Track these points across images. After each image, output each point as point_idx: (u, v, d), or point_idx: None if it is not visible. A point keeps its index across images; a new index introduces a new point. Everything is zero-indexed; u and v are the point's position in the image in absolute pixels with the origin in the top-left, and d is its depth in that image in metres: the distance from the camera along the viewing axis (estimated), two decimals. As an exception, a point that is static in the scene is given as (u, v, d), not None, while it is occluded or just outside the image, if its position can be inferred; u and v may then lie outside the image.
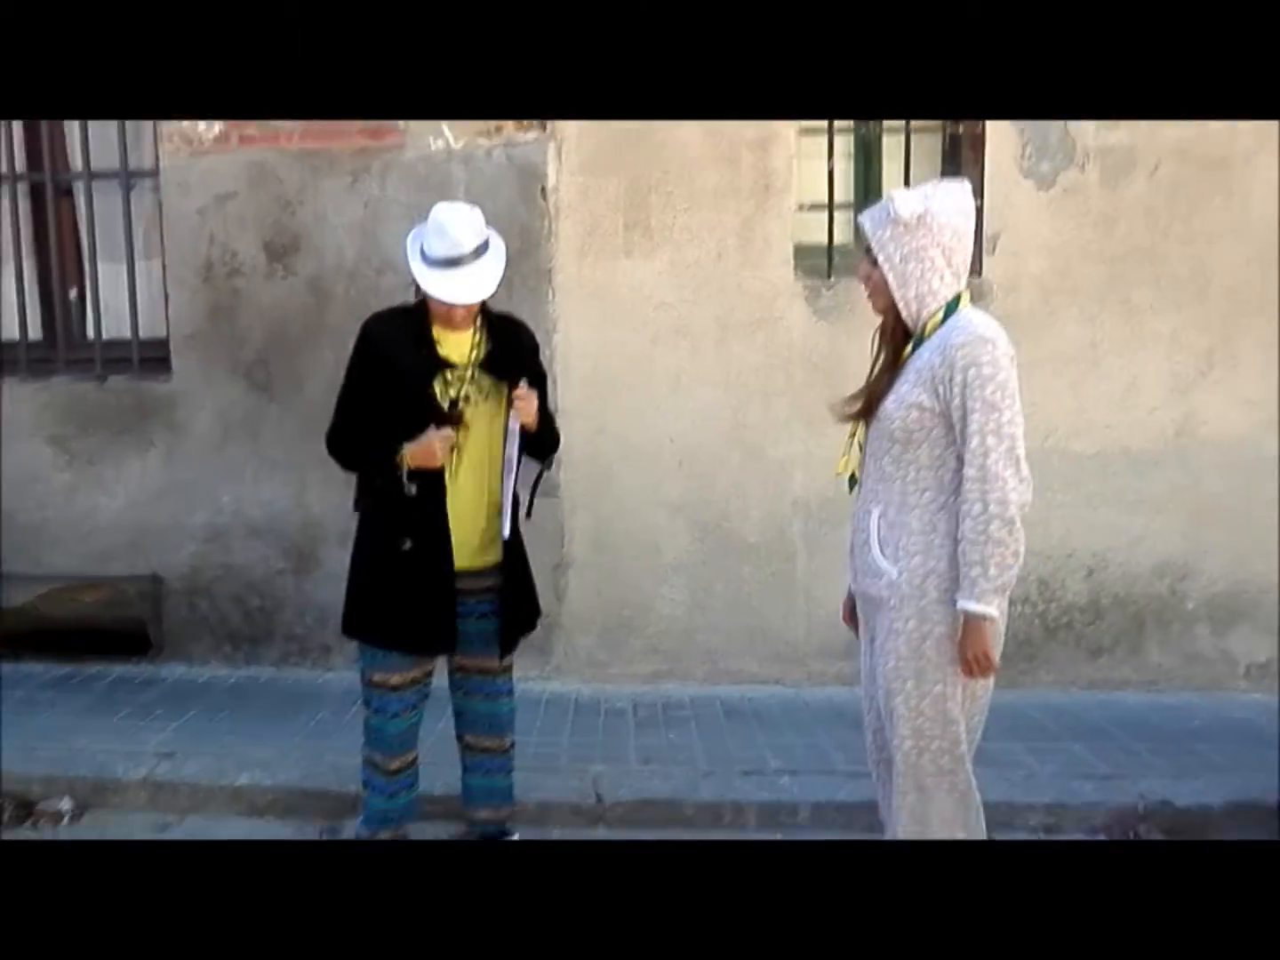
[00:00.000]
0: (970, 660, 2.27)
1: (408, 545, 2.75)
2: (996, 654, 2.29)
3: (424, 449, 2.69)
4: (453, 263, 2.67)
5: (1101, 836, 3.27)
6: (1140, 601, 4.33)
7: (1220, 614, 4.33)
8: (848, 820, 3.28)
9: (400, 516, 2.76)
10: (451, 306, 2.70)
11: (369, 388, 2.78)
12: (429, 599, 2.76)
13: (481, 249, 2.71)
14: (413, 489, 2.71)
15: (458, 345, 2.78)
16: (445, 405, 2.74)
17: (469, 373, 2.77)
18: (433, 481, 2.75)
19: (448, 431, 2.72)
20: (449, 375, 2.76)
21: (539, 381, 2.90)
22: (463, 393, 2.76)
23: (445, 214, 2.71)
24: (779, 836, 3.27)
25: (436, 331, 2.76)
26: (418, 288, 2.73)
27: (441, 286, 2.66)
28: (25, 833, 3.29)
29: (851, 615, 2.71)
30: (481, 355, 2.79)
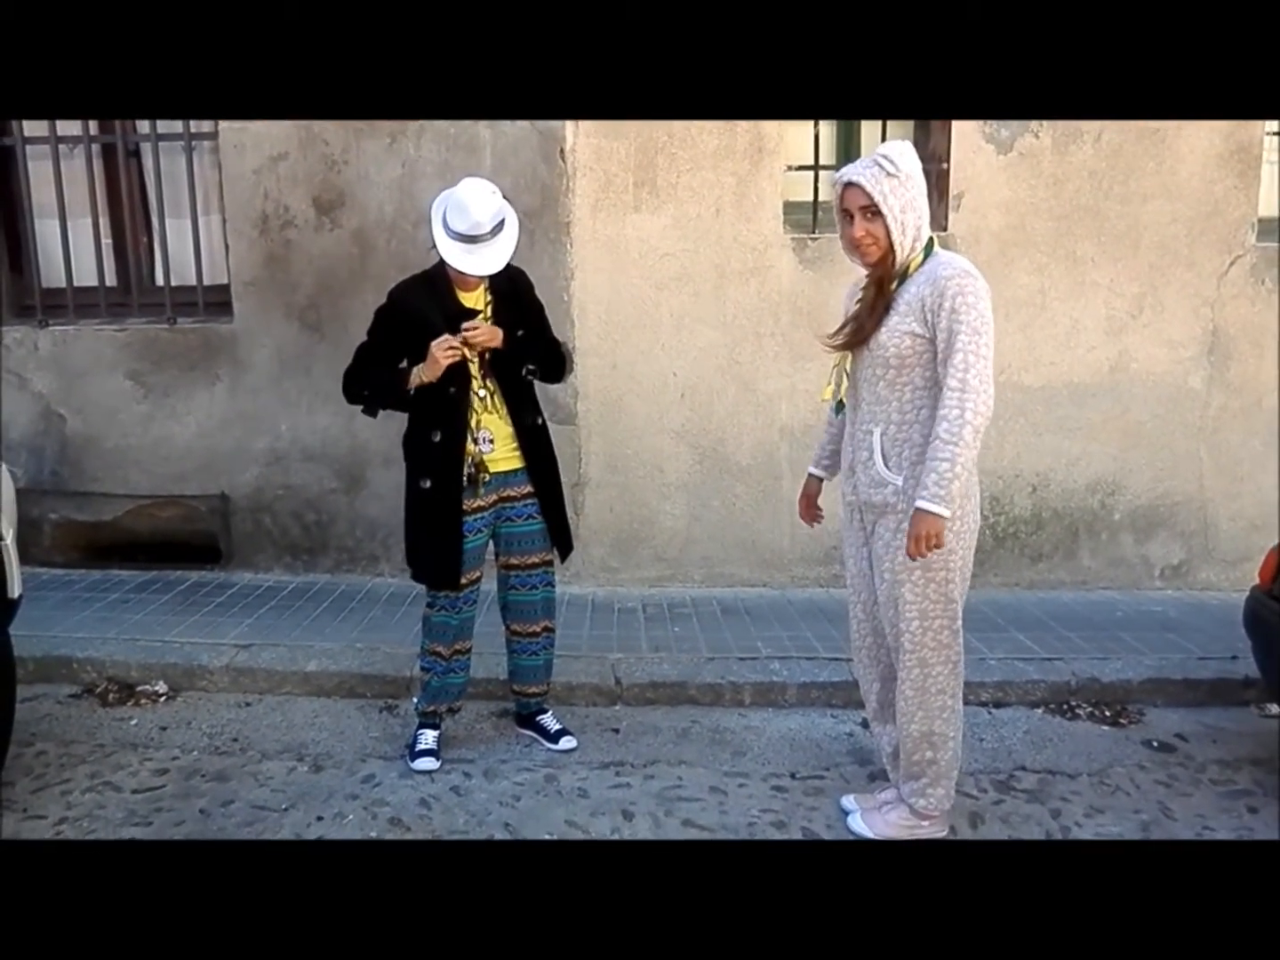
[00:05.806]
0: (920, 538, 2.25)
1: (427, 485, 2.84)
2: (943, 540, 2.28)
3: (429, 360, 2.74)
4: (472, 239, 2.69)
5: (1040, 710, 3.41)
6: (1075, 514, 4.44)
7: (1141, 524, 4.44)
8: (828, 697, 3.45)
9: (425, 456, 2.85)
10: (467, 276, 2.77)
11: (394, 341, 2.82)
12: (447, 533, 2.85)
13: (498, 228, 2.73)
14: (438, 436, 2.81)
15: (472, 299, 2.87)
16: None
17: (484, 321, 2.86)
18: (456, 424, 2.82)
19: (445, 336, 2.73)
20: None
21: (537, 311, 2.99)
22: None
23: (467, 193, 2.69)
24: (770, 712, 3.41)
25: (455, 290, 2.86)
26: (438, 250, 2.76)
27: (461, 260, 2.71)
28: (129, 711, 3.38)
29: (808, 509, 2.80)
30: (490, 302, 2.88)
